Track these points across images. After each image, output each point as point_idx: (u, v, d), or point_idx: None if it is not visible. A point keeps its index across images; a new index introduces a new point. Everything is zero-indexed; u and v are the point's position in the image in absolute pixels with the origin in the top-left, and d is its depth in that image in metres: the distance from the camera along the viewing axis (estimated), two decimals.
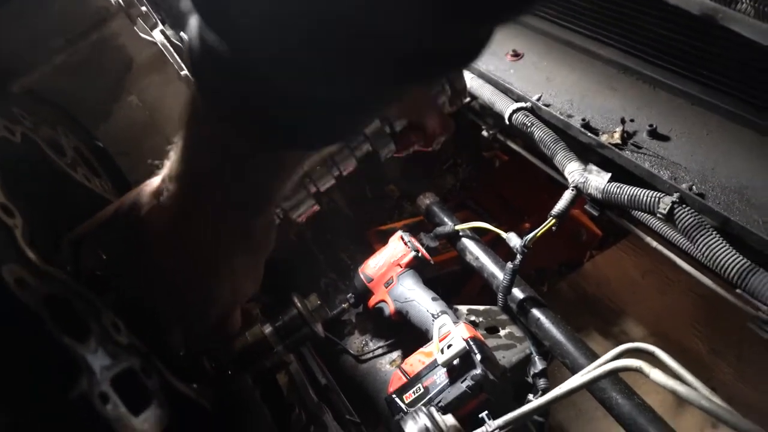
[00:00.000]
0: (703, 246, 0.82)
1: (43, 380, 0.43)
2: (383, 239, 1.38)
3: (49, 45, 0.68)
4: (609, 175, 0.95)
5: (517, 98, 1.15)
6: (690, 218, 0.83)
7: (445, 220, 1.27)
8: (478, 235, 1.25)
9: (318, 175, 0.69)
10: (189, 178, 0.48)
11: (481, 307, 1.18)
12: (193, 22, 0.37)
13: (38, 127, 0.66)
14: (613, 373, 0.85)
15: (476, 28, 0.36)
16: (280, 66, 0.36)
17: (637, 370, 0.81)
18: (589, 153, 1.02)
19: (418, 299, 1.06)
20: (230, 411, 0.66)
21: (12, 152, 0.57)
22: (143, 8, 0.73)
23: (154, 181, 0.54)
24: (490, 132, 1.28)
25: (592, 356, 0.98)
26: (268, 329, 0.80)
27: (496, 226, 1.15)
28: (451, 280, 1.52)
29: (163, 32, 0.83)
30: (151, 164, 0.53)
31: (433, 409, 0.78)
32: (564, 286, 1.66)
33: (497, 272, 1.15)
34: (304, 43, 0.34)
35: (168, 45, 0.83)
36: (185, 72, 0.84)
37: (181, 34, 0.93)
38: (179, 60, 0.85)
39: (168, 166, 0.50)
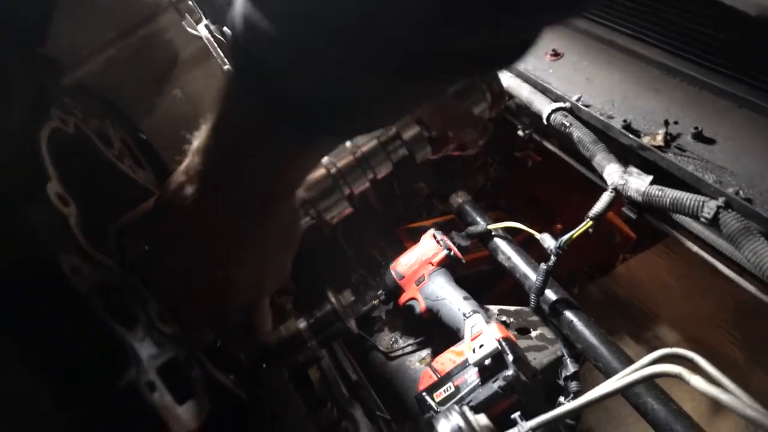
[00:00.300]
0: (749, 252, 0.79)
1: (96, 367, 0.44)
2: (413, 237, 1.38)
3: (100, 39, 0.70)
4: (650, 177, 0.93)
5: (556, 98, 1.13)
6: (736, 223, 0.81)
7: (477, 219, 1.26)
8: (509, 235, 1.24)
9: (353, 178, 0.69)
10: (213, 153, 0.48)
11: (513, 308, 1.17)
12: (239, 3, 0.38)
13: (88, 119, 0.68)
14: (650, 379, 0.83)
15: (512, 28, 0.36)
16: (313, 57, 0.37)
17: (677, 377, 0.79)
18: (629, 155, 1.00)
19: (449, 298, 1.06)
20: (266, 403, 0.66)
21: (66, 143, 0.58)
22: (190, 2, 0.74)
23: (185, 161, 0.53)
24: (526, 132, 1.26)
25: (627, 360, 0.97)
26: (302, 324, 0.81)
27: (528, 227, 1.14)
28: (480, 279, 1.51)
29: (207, 27, 0.85)
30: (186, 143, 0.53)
31: (465, 408, 0.78)
32: (595, 288, 1.64)
33: (530, 273, 1.14)
34: (332, 35, 0.35)
35: (212, 39, 0.85)
36: (228, 66, 0.85)
37: (224, 28, 0.94)
38: (222, 54, 0.87)
39: (196, 140, 0.50)
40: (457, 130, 0.69)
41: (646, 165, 0.97)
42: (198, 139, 0.50)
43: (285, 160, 0.47)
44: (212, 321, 0.60)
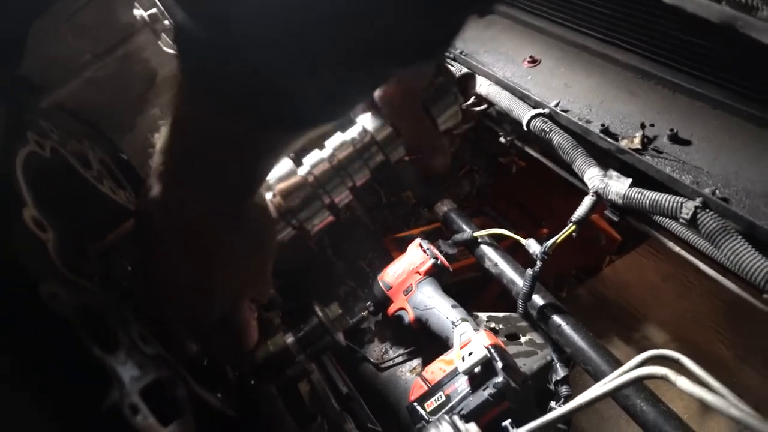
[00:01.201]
0: (728, 251, 0.81)
1: (77, 391, 0.44)
2: (400, 246, 1.38)
3: (76, 60, 0.70)
4: (629, 180, 0.94)
5: (535, 104, 1.15)
6: (714, 223, 0.82)
7: (463, 226, 1.27)
8: (496, 241, 1.25)
9: (332, 186, 0.69)
10: (174, 153, 0.49)
11: (501, 314, 1.18)
12: (176, 10, 0.39)
13: (66, 141, 0.68)
14: (637, 381, 0.83)
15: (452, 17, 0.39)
16: (264, 52, 0.37)
17: (663, 378, 0.80)
18: (608, 158, 1.01)
19: (437, 307, 1.06)
20: (254, 420, 0.66)
21: (42, 166, 0.58)
22: (166, 22, 0.74)
23: (144, 186, 0.53)
24: (508, 138, 1.28)
25: (615, 363, 0.97)
26: (290, 339, 0.81)
27: (513, 233, 1.15)
28: (467, 286, 1.52)
29: None
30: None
31: (456, 418, 0.78)
32: (583, 291, 1.65)
33: (517, 279, 1.14)
34: (292, 33, 0.36)
35: None
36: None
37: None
38: None
39: (159, 142, 0.51)
40: (428, 152, 0.70)
41: (625, 168, 0.99)
42: (159, 141, 0.50)
43: (243, 155, 0.47)
44: (191, 325, 0.60)
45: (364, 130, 0.68)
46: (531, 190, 1.69)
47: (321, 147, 0.70)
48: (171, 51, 0.77)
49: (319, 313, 0.81)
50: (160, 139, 0.50)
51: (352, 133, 0.69)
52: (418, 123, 0.69)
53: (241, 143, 0.46)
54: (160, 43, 0.79)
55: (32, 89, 0.68)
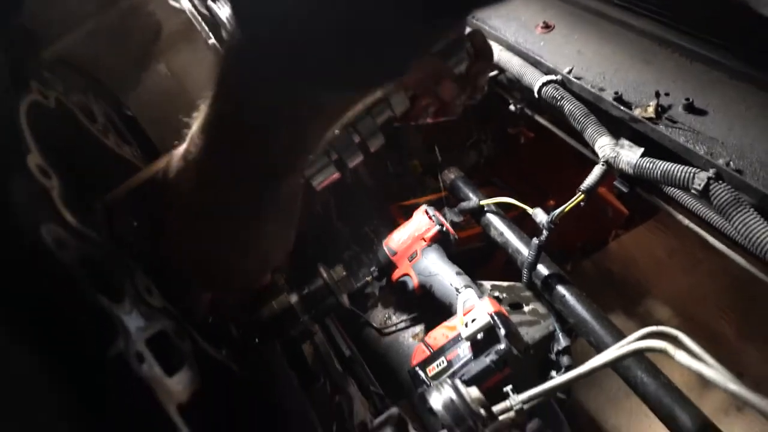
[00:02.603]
0: (739, 223, 0.79)
1: (82, 339, 0.44)
2: (406, 214, 1.37)
3: (79, 11, 0.68)
4: (641, 150, 0.92)
5: (547, 71, 1.12)
6: (726, 194, 0.81)
7: (470, 195, 1.26)
8: (502, 211, 1.24)
9: (339, 142, 0.68)
10: (216, 130, 0.48)
11: (505, 283, 1.17)
12: None
13: (70, 94, 0.67)
14: (637, 353, 0.84)
15: None
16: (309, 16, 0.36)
17: (662, 352, 0.81)
18: (621, 127, 0.99)
19: (442, 273, 1.06)
20: (260, 377, 0.66)
21: (46, 117, 0.57)
22: None
23: (184, 144, 0.54)
24: (518, 106, 1.25)
25: (618, 335, 0.97)
26: (294, 298, 0.81)
27: (520, 203, 1.14)
28: (473, 256, 1.51)
29: (192, 1, 0.83)
30: (181, 126, 0.53)
31: (457, 381, 0.78)
32: (588, 264, 1.64)
33: (522, 248, 1.14)
34: None
35: (195, 13, 0.83)
36: (212, 41, 0.84)
37: (209, 3, 0.92)
38: (207, 29, 0.85)
39: (196, 121, 0.50)
40: (433, 85, 0.66)
41: (637, 137, 0.97)
42: (198, 118, 0.49)
43: (288, 128, 0.46)
44: (214, 296, 0.61)
45: None
46: (539, 161, 1.67)
47: None
48: (177, 5, 0.75)
49: (324, 275, 0.81)
50: (199, 111, 0.49)
51: None
52: (424, 62, 0.66)
53: (288, 114, 0.44)
54: None
55: (34, 40, 0.67)
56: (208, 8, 0.92)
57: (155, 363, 0.47)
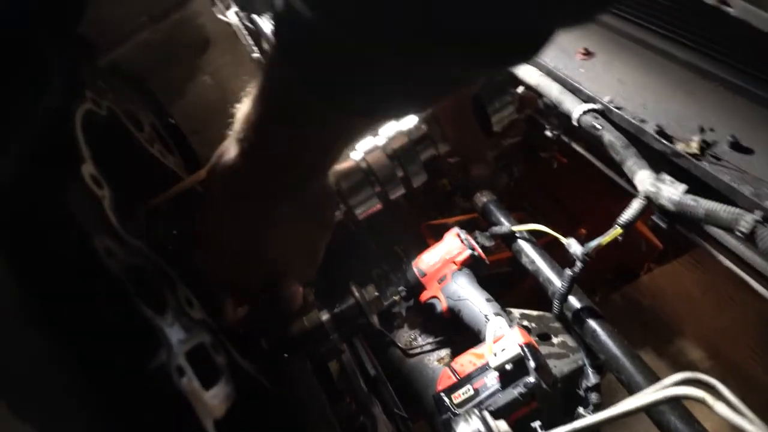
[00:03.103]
0: None
1: (127, 349, 0.44)
2: (435, 234, 1.36)
3: (134, 22, 0.70)
4: (684, 186, 0.90)
5: (587, 99, 1.11)
6: None
7: (502, 219, 1.24)
8: (534, 237, 1.22)
9: (383, 175, 0.68)
10: (252, 136, 0.50)
11: (535, 313, 1.15)
12: None
13: (120, 102, 0.68)
14: (674, 400, 0.81)
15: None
16: (363, 35, 0.37)
17: (701, 401, 0.78)
18: (661, 162, 0.97)
19: (471, 299, 1.04)
20: (289, 393, 0.66)
21: (99, 125, 0.58)
22: None
23: (221, 149, 0.56)
24: (554, 132, 1.24)
25: (651, 375, 0.94)
26: (325, 316, 0.80)
27: (552, 230, 1.12)
28: (499, 281, 1.49)
29: (237, 13, 0.84)
30: (221, 139, 0.55)
31: (486, 413, 0.77)
32: (617, 297, 1.61)
33: (554, 278, 1.12)
34: (397, 19, 0.35)
35: (240, 26, 0.84)
36: (256, 54, 0.85)
37: (253, 16, 0.93)
38: (250, 41, 0.86)
39: (233, 128, 0.53)
40: (471, 159, 0.70)
41: (678, 173, 0.94)
42: (241, 109, 0.52)
43: (319, 135, 0.48)
44: (236, 292, 0.62)
45: (419, 123, 0.68)
46: (571, 187, 1.64)
47: (374, 134, 0.70)
48: (225, 18, 0.77)
49: (356, 294, 0.81)
50: (241, 107, 0.52)
51: (407, 124, 0.68)
52: (465, 130, 0.69)
53: (320, 122, 0.46)
54: (214, 9, 0.79)
55: (90, 49, 0.69)
56: (252, 21, 0.93)
57: (194, 377, 0.47)
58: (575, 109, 1.10)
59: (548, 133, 1.26)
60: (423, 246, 1.20)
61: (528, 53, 0.39)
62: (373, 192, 0.66)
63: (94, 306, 0.46)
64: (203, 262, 0.58)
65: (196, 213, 0.58)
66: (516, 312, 1.12)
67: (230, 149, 0.52)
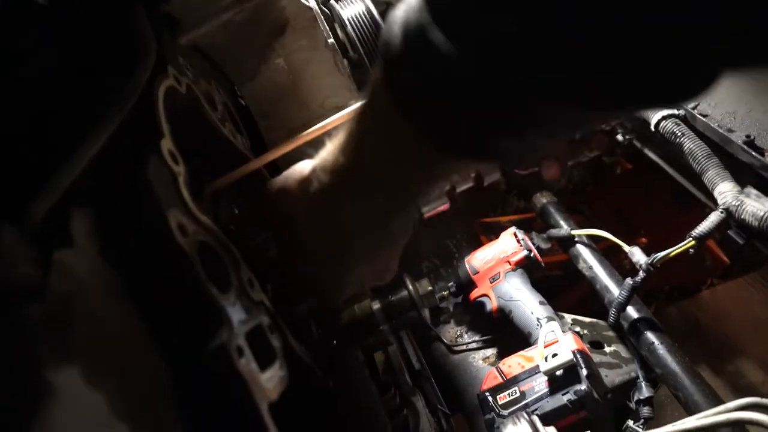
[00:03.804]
0: None
1: (191, 326, 0.45)
2: (489, 231, 1.34)
3: (218, 2, 0.71)
4: None
5: None
6: None
7: (561, 222, 1.20)
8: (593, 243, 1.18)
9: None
10: (347, 173, 0.49)
11: (587, 319, 1.12)
12: (413, 13, 0.36)
13: (198, 80, 0.69)
14: (737, 424, 0.77)
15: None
16: (511, 87, 0.34)
17: (765, 427, 0.74)
18: (748, 174, 0.91)
19: (524, 300, 1.02)
20: (339, 382, 0.66)
21: (178, 102, 0.59)
22: None
23: (304, 169, 0.55)
24: (627, 137, 1.18)
25: (713, 397, 0.90)
26: (377, 305, 0.80)
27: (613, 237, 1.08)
28: (551, 284, 1.45)
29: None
30: (289, 123, 0.54)
31: (535, 418, 0.75)
32: (674, 311, 1.53)
33: (612, 286, 1.08)
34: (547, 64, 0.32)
35: (319, 11, 0.84)
36: (332, 40, 0.85)
37: (331, 2, 0.93)
38: (327, 28, 0.86)
39: (323, 157, 0.51)
40: (544, 162, 0.67)
41: (765, 187, 0.88)
42: (324, 158, 0.51)
43: (420, 175, 0.47)
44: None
45: None
46: (634, 195, 1.57)
47: None
48: (306, 2, 0.76)
49: (409, 286, 0.80)
50: (323, 155, 0.51)
51: None
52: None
53: (426, 167, 0.45)
54: None
55: (174, 26, 0.70)
56: (329, 7, 0.92)
57: (252, 358, 0.48)
58: (655, 114, 1.04)
59: (619, 137, 1.20)
60: (475, 242, 1.18)
61: (698, 96, 0.35)
62: (443, 191, 0.65)
63: (164, 280, 0.47)
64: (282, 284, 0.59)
65: (279, 224, 0.58)
66: (568, 317, 1.09)
67: (319, 178, 0.51)
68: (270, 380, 0.50)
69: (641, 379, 1.01)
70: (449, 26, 0.34)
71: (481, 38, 0.33)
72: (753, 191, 0.87)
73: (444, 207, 0.67)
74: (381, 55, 0.41)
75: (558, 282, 1.47)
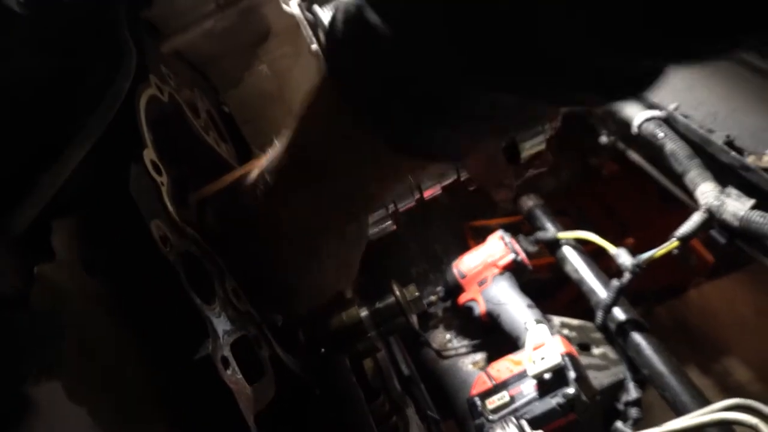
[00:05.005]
0: None
1: (173, 337, 0.45)
2: (477, 235, 1.34)
3: (200, 9, 0.70)
4: (752, 201, 0.85)
5: (650, 106, 1.06)
6: None
7: (547, 225, 1.21)
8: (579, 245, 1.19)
9: None
10: (290, 171, 0.48)
11: (575, 321, 1.12)
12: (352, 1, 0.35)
13: (180, 88, 0.69)
14: (723, 425, 0.78)
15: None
16: (438, 65, 0.34)
17: (752, 428, 0.74)
18: (727, 174, 0.92)
19: (512, 304, 1.02)
20: (327, 389, 0.66)
21: (160, 111, 0.59)
22: None
23: (251, 174, 0.54)
24: (610, 138, 1.19)
25: (699, 397, 0.90)
26: (364, 312, 0.79)
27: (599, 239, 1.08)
28: (538, 287, 1.46)
29: (300, 5, 0.84)
30: (274, 129, 0.54)
31: (524, 423, 0.75)
32: (662, 311, 1.55)
33: (598, 288, 1.08)
34: (480, 48, 0.31)
35: (302, 17, 0.84)
36: (315, 46, 0.85)
37: (314, 7, 0.93)
38: (310, 33, 0.86)
39: (270, 158, 0.50)
40: (492, 186, 0.67)
41: (746, 187, 0.89)
42: (285, 134, 0.48)
43: (365, 170, 0.45)
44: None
45: None
46: (621, 196, 1.59)
47: None
48: (288, 9, 0.76)
49: (397, 293, 0.80)
50: (283, 134, 0.48)
51: None
52: (485, 162, 0.66)
53: (375, 162, 0.43)
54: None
55: (156, 34, 0.70)
56: (312, 11, 0.92)
57: (238, 369, 0.48)
58: (636, 115, 1.05)
59: (603, 139, 1.22)
60: (463, 246, 1.19)
61: (641, 92, 0.35)
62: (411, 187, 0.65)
63: (148, 292, 0.46)
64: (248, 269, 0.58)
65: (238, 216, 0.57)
66: (556, 319, 1.09)
67: (268, 178, 0.50)
68: (257, 391, 0.49)
69: (629, 381, 1.01)
70: (383, 6, 0.34)
71: (412, 17, 0.33)
72: (734, 191, 0.88)
73: (411, 205, 0.67)
74: (326, 42, 0.40)
75: (546, 284, 1.48)
